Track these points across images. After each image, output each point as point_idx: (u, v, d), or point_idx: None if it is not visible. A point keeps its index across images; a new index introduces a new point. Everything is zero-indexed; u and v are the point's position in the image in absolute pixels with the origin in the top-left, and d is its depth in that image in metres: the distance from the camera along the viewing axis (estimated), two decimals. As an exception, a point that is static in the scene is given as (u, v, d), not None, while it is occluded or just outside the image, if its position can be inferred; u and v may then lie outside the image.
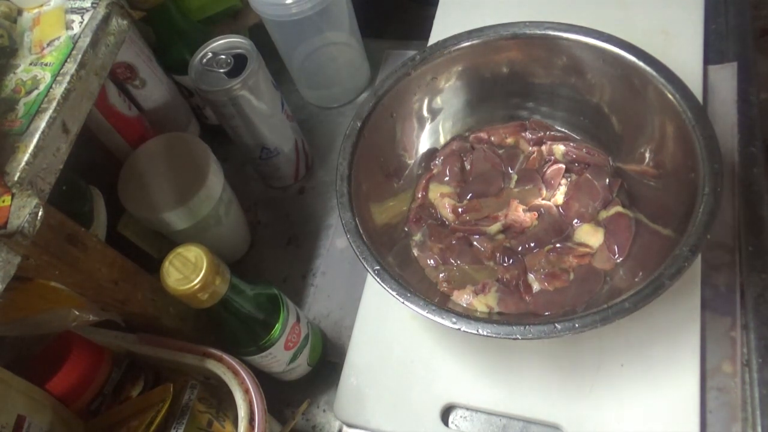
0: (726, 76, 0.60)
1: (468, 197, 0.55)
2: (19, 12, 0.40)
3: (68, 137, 0.35)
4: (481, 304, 0.49)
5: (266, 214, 0.67)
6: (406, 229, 0.55)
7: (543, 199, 0.53)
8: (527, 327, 0.40)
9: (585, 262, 0.50)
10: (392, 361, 0.52)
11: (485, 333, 0.40)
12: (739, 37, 0.64)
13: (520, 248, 0.51)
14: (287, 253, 0.64)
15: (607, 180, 0.52)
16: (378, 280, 0.43)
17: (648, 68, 0.47)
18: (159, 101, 0.64)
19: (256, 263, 0.64)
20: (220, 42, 0.55)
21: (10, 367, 0.38)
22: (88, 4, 0.40)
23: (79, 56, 0.37)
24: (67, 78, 0.36)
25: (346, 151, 0.49)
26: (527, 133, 0.57)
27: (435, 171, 0.57)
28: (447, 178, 0.56)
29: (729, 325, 0.49)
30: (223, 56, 0.54)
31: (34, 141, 0.33)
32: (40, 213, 0.31)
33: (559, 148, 0.55)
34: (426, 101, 0.56)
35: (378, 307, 0.55)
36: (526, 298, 0.49)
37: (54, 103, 0.35)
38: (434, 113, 0.57)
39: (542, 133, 0.56)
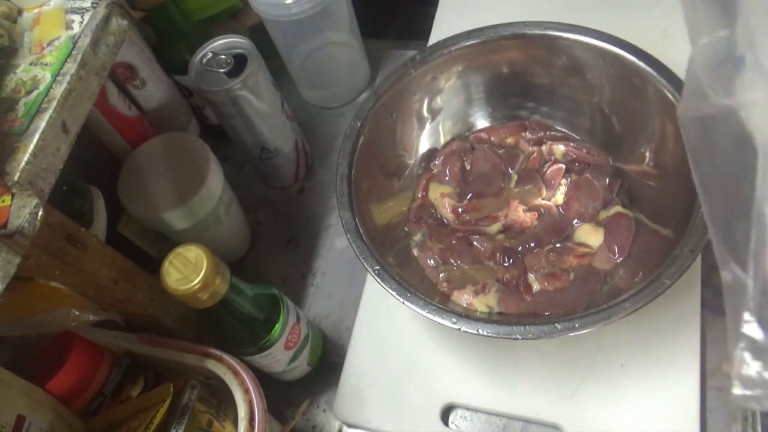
0: (726, 76, 0.60)
1: (468, 197, 0.55)
2: (19, 12, 0.40)
3: (68, 137, 0.35)
4: (481, 304, 0.49)
5: (266, 214, 0.67)
6: (406, 229, 0.55)
7: (543, 199, 0.53)
8: (527, 327, 0.40)
9: (585, 262, 0.50)
10: (392, 361, 0.52)
11: (485, 333, 0.40)
12: (739, 37, 0.64)
13: (520, 248, 0.51)
14: (287, 253, 0.64)
15: (607, 180, 0.52)
16: (378, 280, 0.43)
17: (648, 68, 0.47)
18: (159, 101, 0.64)
19: (256, 263, 0.64)
20: (220, 42, 0.55)
21: (10, 367, 0.38)
22: (88, 4, 0.40)
23: (79, 56, 0.37)
24: (67, 78, 0.36)
25: (346, 151, 0.49)
26: (527, 133, 0.57)
27: (435, 171, 0.57)
28: (447, 178, 0.56)
29: (729, 325, 0.49)
30: (223, 56, 0.54)
31: (34, 141, 0.33)
32: (40, 213, 0.31)
33: (559, 148, 0.55)
34: (426, 101, 0.56)
35: (378, 307, 0.55)
36: (526, 298, 0.49)
37: (54, 103, 0.35)
38: (434, 113, 0.57)
39: (542, 133, 0.56)
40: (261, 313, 0.44)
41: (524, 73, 0.55)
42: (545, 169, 0.55)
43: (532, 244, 0.51)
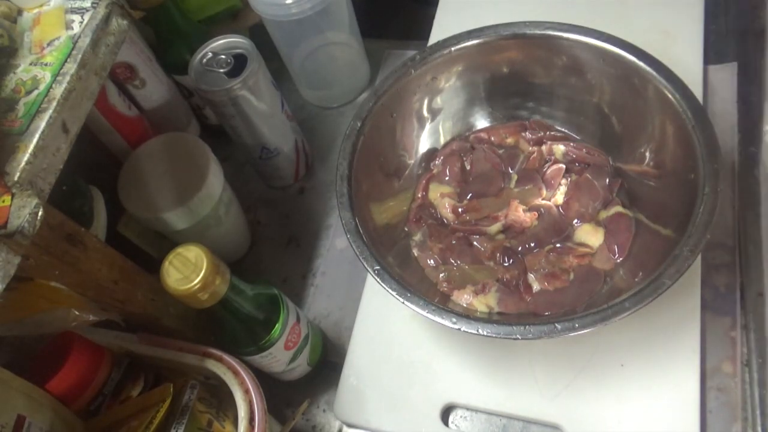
0: (726, 76, 0.60)
1: (468, 197, 0.55)
2: (19, 12, 0.40)
3: (68, 137, 0.35)
4: (481, 304, 0.49)
5: (266, 214, 0.67)
6: (406, 229, 0.55)
7: (543, 199, 0.53)
8: (527, 327, 0.40)
9: (585, 262, 0.49)
10: (392, 361, 0.52)
11: (485, 333, 0.40)
12: (739, 37, 0.64)
13: (520, 248, 0.51)
14: (287, 253, 0.64)
15: (607, 180, 0.52)
16: (378, 280, 0.43)
17: (648, 68, 0.47)
18: (159, 101, 0.64)
19: (256, 263, 0.64)
20: (220, 42, 0.55)
21: (10, 367, 0.38)
22: (88, 4, 0.40)
23: (79, 56, 0.37)
24: (67, 78, 0.36)
25: (346, 151, 0.49)
26: (527, 133, 0.57)
27: (435, 171, 0.57)
28: (447, 178, 0.56)
29: (729, 325, 0.49)
30: (223, 56, 0.54)
31: (34, 141, 0.33)
32: (40, 213, 0.31)
33: (559, 148, 0.55)
34: (426, 101, 0.56)
35: (378, 307, 0.55)
36: (526, 298, 0.49)
37: (54, 103, 0.35)
38: (434, 113, 0.57)
39: (542, 133, 0.56)
40: (261, 313, 0.44)
41: (524, 73, 0.55)
42: (545, 169, 0.55)
43: (532, 244, 0.51)
